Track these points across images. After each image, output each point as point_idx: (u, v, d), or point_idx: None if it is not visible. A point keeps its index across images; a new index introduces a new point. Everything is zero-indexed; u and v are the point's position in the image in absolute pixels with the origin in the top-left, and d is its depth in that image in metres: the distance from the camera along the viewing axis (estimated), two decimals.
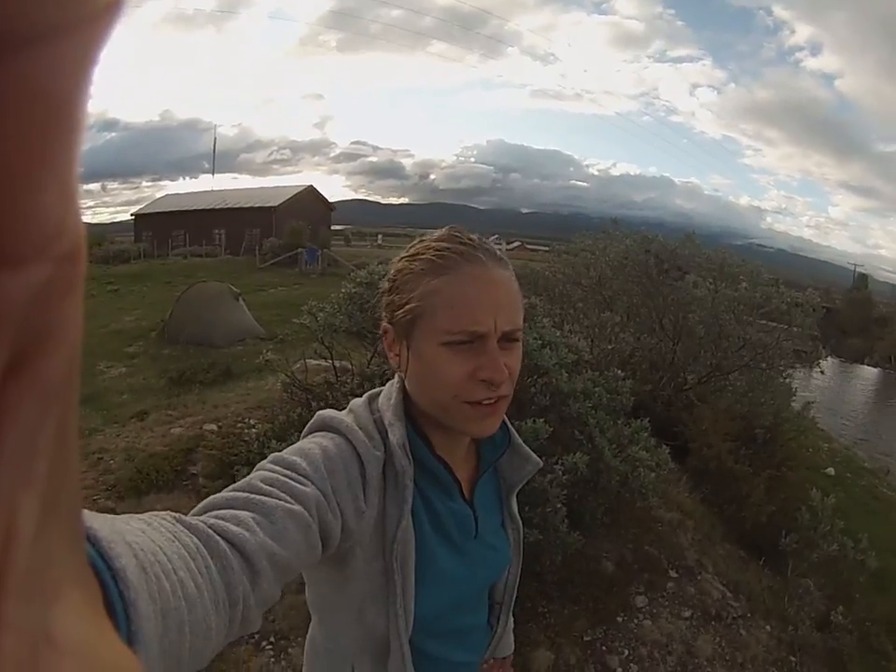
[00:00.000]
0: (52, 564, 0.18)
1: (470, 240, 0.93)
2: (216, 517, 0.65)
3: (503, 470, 1.11)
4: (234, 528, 0.63)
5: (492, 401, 0.91)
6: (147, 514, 0.55)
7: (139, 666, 0.22)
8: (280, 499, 0.71)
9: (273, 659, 3.15)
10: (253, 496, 0.70)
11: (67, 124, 0.15)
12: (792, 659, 3.72)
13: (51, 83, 0.14)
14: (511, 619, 1.36)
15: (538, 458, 1.11)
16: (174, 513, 0.59)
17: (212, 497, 0.71)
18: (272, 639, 3.24)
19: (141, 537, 0.48)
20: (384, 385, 1.04)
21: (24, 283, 0.15)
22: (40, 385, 0.17)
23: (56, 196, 0.15)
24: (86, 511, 0.40)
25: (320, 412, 0.96)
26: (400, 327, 0.93)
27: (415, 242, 0.98)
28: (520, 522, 1.15)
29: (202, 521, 0.62)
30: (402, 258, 0.96)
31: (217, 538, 0.60)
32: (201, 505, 0.69)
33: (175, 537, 0.54)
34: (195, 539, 0.57)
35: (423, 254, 0.93)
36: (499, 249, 0.96)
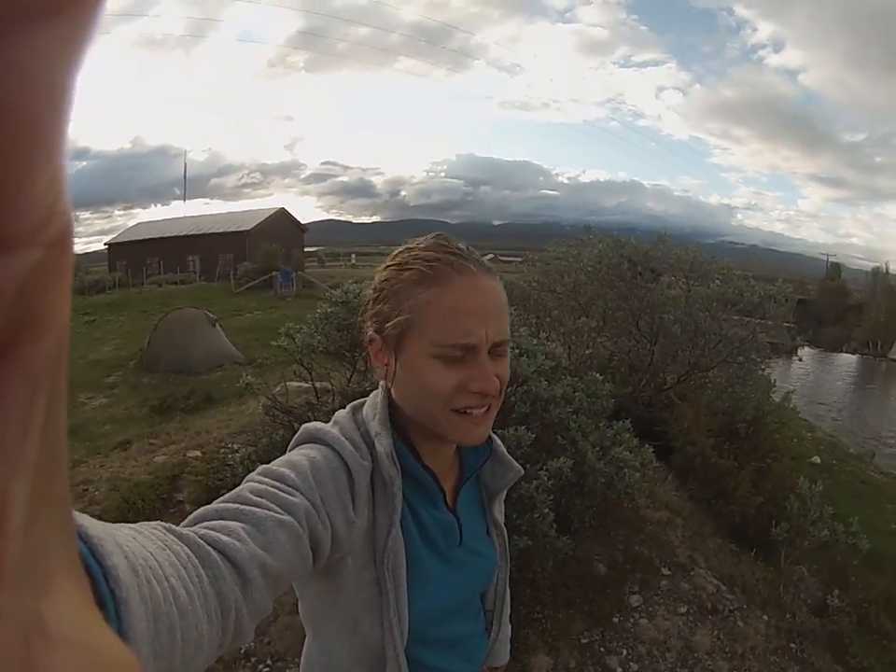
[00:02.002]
0: (44, 553, 0.18)
1: (459, 249, 0.93)
2: (206, 528, 0.64)
3: (485, 478, 1.12)
4: (225, 538, 0.63)
5: (482, 410, 0.91)
6: (136, 524, 0.55)
7: (132, 656, 0.22)
8: (270, 510, 0.71)
9: None
10: (243, 506, 0.70)
11: (56, 110, 0.15)
12: (793, 646, 3.74)
13: (39, 69, 0.14)
14: (509, 627, 1.36)
15: (519, 466, 1.11)
16: (164, 523, 0.59)
17: (202, 508, 0.70)
18: (268, 662, 3.20)
19: (132, 542, 0.48)
20: None
21: (14, 268, 0.15)
22: (29, 370, 0.17)
23: (45, 182, 0.15)
24: (75, 512, 0.40)
25: (306, 424, 0.96)
26: (390, 338, 0.92)
27: (401, 249, 0.97)
28: (504, 529, 1.15)
29: (192, 531, 0.61)
30: (389, 266, 0.96)
31: (209, 548, 0.59)
32: (191, 517, 0.68)
33: (165, 545, 0.53)
34: (186, 549, 0.56)
35: (411, 264, 0.92)
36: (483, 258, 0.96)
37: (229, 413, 7.41)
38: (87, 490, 5.09)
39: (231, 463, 3.96)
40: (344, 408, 1.03)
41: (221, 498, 0.73)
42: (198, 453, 5.58)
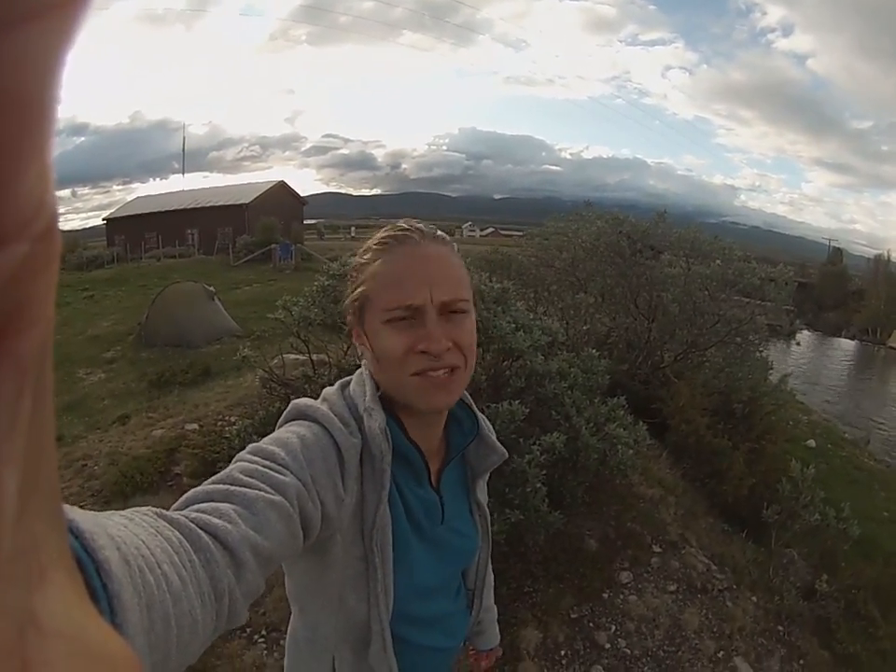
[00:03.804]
0: (36, 546, 0.18)
1: (409, 226, 0.98)
2: (197, 510, 0.64)
3: (470, 458, 1.12)
4: (216, 521, 0.63)
5: (440, 373, 0.92)
6: (127, 511, 0.55)
7: (128, 648, 0.22)
8: (261, 490, 0.71)
9: (265, 652, 3.16)
10: (233, 487, 0.70)
11: (43, 108, 0.15)
12: (780, 628, 3.77)
13: (26, 68, 0.14)
14: (495, 609, 1.38)
15: (503, 450, 1.12)
16: (155, 509, 0.58)
17: (192, 490, 0.70)
18: (263, 632, 3.25)
19: (123, 531, 0.48)
20: None
21: (2, 262, 0.15)
22: (16, 361, 0.17)
23: (33, 178, 0.16)
24: (66, 505, 0.40)
25: (295, 400, 0.96)
26: (356, 315, 0.98)
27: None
28: (486, 510, 1.16)
29: (183, 515, 0.62)
30: (355, 253, 1.02)
31: (200, 531, 0.60)
32: (182, 499, 0.68)
33: (157, 531, 0.53)
34: (177, 534, 0.56)
35: (368, 247, 0.98)
36: (439, 230, 1.00)
37: (226, 385, 7.44)
38: (86, 465, 5.13)
39: (227, 436, 3.98)
40: (333, 385, 1.03)
41: (211, 479, 0.73)
42: (195, 426, 5.61)
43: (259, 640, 3.21)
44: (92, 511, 0.46)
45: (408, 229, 0.97)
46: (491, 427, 1.16)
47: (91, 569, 0.39)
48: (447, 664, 1.15)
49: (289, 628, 1.08)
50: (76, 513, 0.42)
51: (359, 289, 0.96)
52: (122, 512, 0.53)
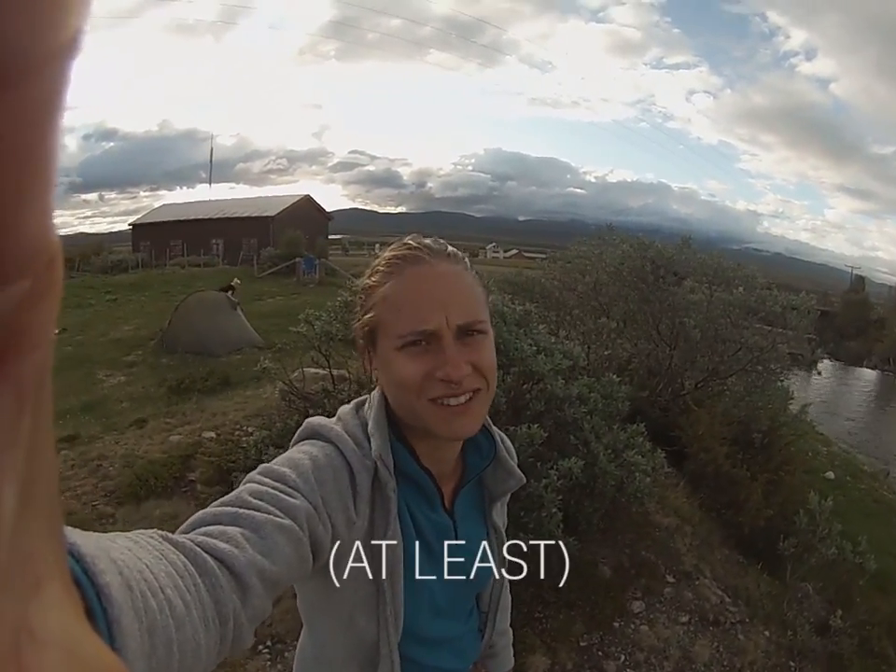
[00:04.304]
0: (33, 559, 0.19)
1: (418, 244, 0.93)
2: (204, 534, 0.64)
3: (487, 482, 1.10)
4: (223, 545, 0.62)
5: (461, 399, 0.89)
6: (132, 533, 0.55)
7: (119, 662, 0.22)
8: (270, 514, 0.71)
9: (269, 663, 3.15)
10: (242, 510, 0.70)
11: (43, 155, 0.16)
12: (791, 664, 3.70)
13: (25, 119, 0.15)
14: (510, 633, 1.35)
15: (521, 474, 1.09)
16: (160, 532, 0.58)
17: (200, 512, 0.70)
18: (268, 643, 3.25)
19: (127, 554, 0.48)
20: None
21: (7, 299, 0.16)
22: (16, 382, 0.17)
23: (35, 220, 0.16)
24: (70, 528, 0.40)
25: (309, 419, 0.96)
26: (367, 340, 0.95)
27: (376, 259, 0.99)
28: (503, 534, 1.14)
29: (189, 538, 0.62)
30: (364, 275, 0.98)
31: (206, 555, 0.60)
32: (189, 521, 0.68)
33: (162, 555, 0.53)
34: (182, 557, 0.56)
35: (377, 268, 0.94)
36: (450, 246, 0.97)
37: (245, 396, 7.46)
38: (101, 465, 5.16)
39: (244, 445, 4.00)
40: (351, 401, 1.03)
41: (220, 501, 0.73)
42: (212, 434, 5.63)
43: (264, 651, 3.21)
44: (97, 533, 0.47)
45: (416, 247, 0.92)
46: (512, 448, 1.14)
47: (91, 594, 0.39)
48: None
49: (298, 645, 1.07)
50: (78, 536, 0.42)
51: (369, 315, 0.93)
52: (128, 535, 0.54)
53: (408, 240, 0.95)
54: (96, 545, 0.43)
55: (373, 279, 0.94)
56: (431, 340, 0.87)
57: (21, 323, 0.17)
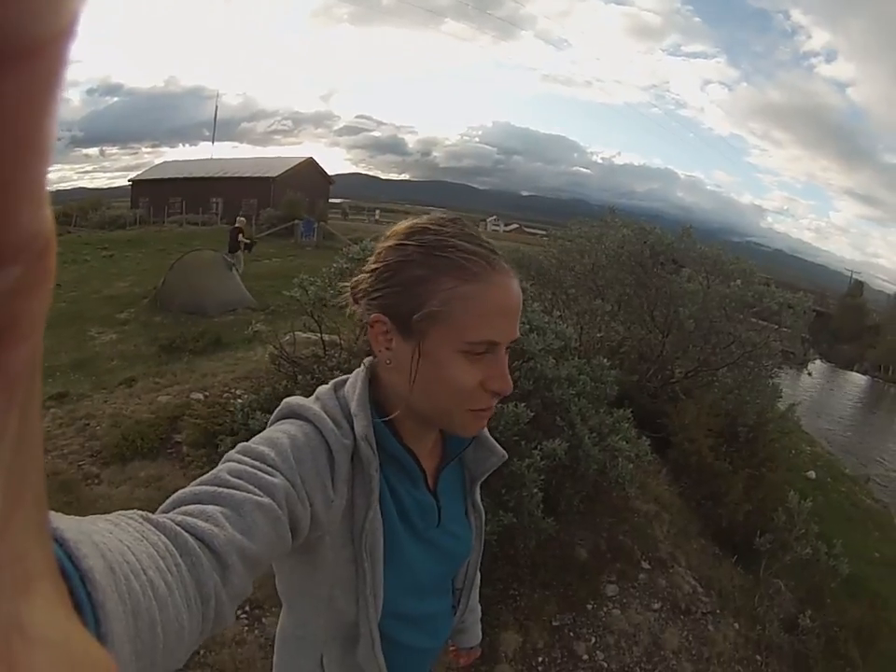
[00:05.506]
0: (21, 556, 0.18)
1: (489, 244, 0.90)
2: (183, 513, 0.64)
3: (468, 461, 1.12)
4: (203, 524, 0.63)
5: (490, 409, 0.93)
6: (113, 514, 0.55)
7: (109, 657, 0.22)
8: (249, 492, 0.71)
9: (246, 628, 3.18)
10: (221, 489, 0.70)
11: (39, 142, 0.16)
12: (758, 658, 3.75)
13: (23, 103, 0.15)
14: (479, 608, 1.39)
15: (503, 451, 1.11)
16: (141, 512, 0.58)
17: (180, 491, 0.70)
18: (246, 608, 3.27)
19: (108, 537, 0.48)
20: None
21: None
22: (4, 374, 0.17)
23: (29, 207, 0.16)
24: (52, 513, 0.40)
25: (287, 399, 0.95)
26: (404, 324, 0.88)
27: (418, 229, 0.91)
28: (483, 511, 1.16)
29: (169, 518, 0.61)
30: (404, 245, 0.90)
31: (186, 535, 0.59)
32: (169, 501, 0.68)
33: (142, 536, 0.53)
34: (163, 538, 0.56)
35: (444, 252, 0.86)
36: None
37: (236, 357, 7.46)
38: (88, 424, 5.17)
39: (231, 409, 4.00)
40: (349, 365, 1.02)
41: (199, 480, 0.73)
42: (201, 395, 5.63)
43: (242, 616, 3.23)
44: (78, 517, 0.47)
45: (496, 252, 0.89)
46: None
47: (75, 578, 0.39)
48: (429, 664, 1.15)
49: (279, 624, 1.07)
50: (60, 521, 0.42)
51: (432, 307, 0.85)
52: (108, 517, 0.54)
53: (472, 232, 0.91)
54: (78, 529, 0.43)
55: (440, 263, 0.86)
56: (490, 349, 0.88)
57: (11, 312, 0.17)
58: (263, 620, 3.19)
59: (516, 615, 3.49)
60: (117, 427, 5.01)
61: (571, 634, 3.51)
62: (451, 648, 1.47)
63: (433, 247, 0.87)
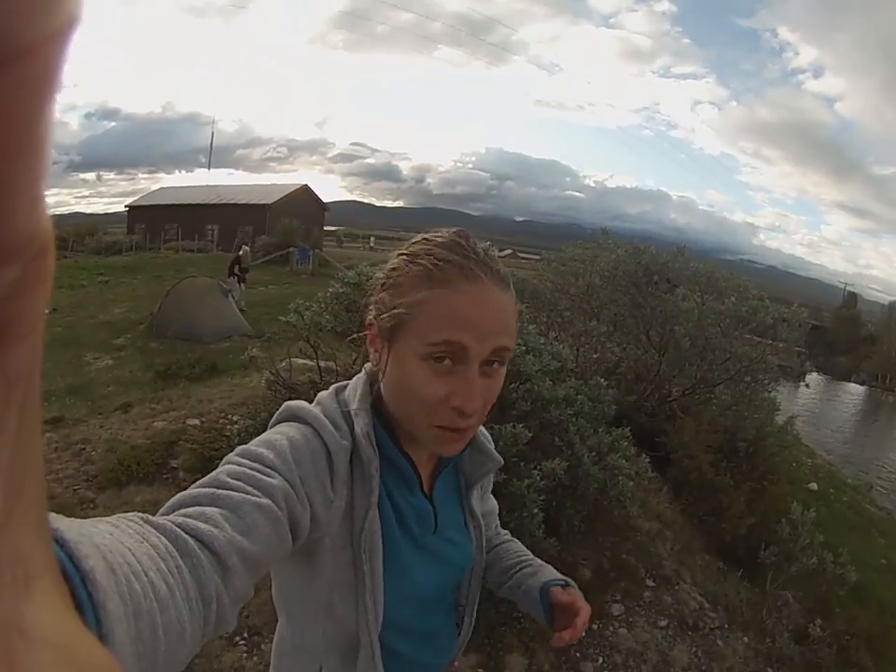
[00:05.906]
0: (22, 556, 0.18)
1: (475, 253, 0.88)
2: (183, 515, 0.63)
3: (464, 466, 1.10)
4: (203, 526, 0.62)
5: (460, 425, 0.88)
6: (113, 517, 0.54)
7: (111, 658, 0.22)
8: (248, 493, 0.70)
9: (245, 654, 3.13)
10: (220, 491, 0.69)
11: (35, 143, 0.16)
12: (770, 670, 3.72)
13: (20, 102, 0.15)
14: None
15: (499, 456, 1.10)
16: (141, 514, 0.58)
17: (179, 494, 0.69)
18: (245, 635, 3.22)
19: (109, 539, 0.47)
20: None
21: None
22: (3, 373, 0.17)
23: (27, 207, 0.16)
24: (52, 515, 0.40)
25: (288, 402, 0.95)
26: (385, 328, 0.89)
27: (419, 239, 0.93)
28: (482, 522, 1.13)
29: (169, 520, 0.61)
30: (402, 254, 0.92)
31: (186, 536, 0.59)
32: (168, 504, 0.68)
33: (143, 538, 0.52)
34: (164, 540, 0.55)
35: (422, 258, 0.87)
36: (500, 262, 0.91)
37: (232, 384, 7.44)
38: (84, 449, 5.14)
39: (228, 434, 3.98)
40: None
41: (198, 483, 0.72)
42: (197, 421, 5.61)
43: (241, 643, 3.19)
44: (79, 520, 0.46)
45: (477, 260, 0.87)
46: (486, 432, 1.14)
47: (76, 580, 0.38)
48: None
49: (276, 636, 1.06)
50: (61, 522, 0.42)
51: (399, 310, 0.86)
52: (108, 519, 0.53)
53: (462, 240, 0.89)
54: (79, 530, 0.42)
55: (414, 269, 0.87)
56: (457, 359, 0.84)
57: (9, 312, 0.17)
58: (262, 646, 3.15)
59: (521, 637, 3.44)
60: (112, 451, 4.97)
61: (578, 654, 3.47)
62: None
63: (414, 256, 0.89)
